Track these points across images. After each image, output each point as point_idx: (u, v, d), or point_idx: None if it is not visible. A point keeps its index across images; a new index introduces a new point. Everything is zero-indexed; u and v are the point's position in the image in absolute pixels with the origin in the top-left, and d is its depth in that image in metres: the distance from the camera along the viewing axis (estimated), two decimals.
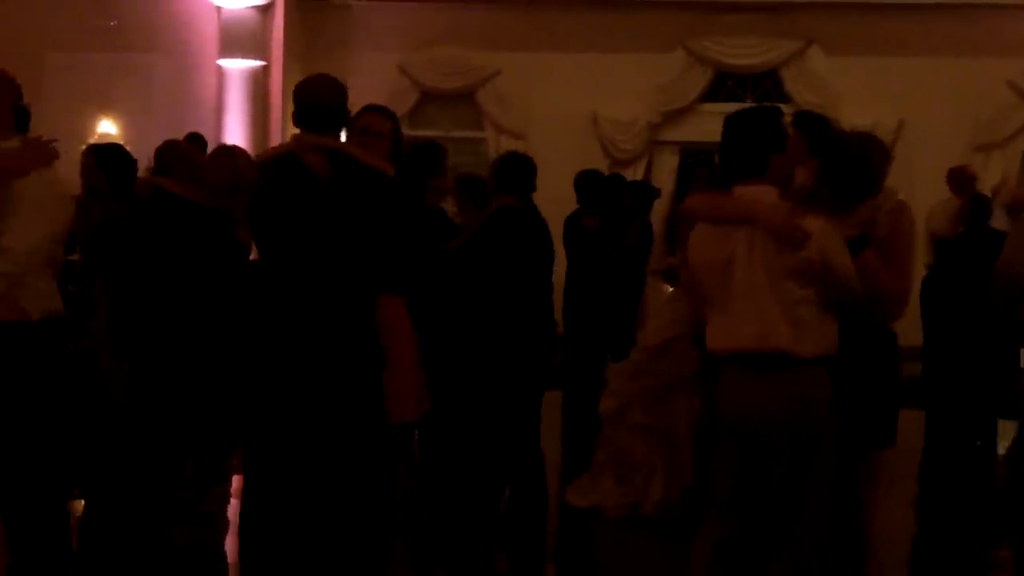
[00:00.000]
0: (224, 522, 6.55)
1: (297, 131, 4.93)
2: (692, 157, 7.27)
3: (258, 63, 13.29)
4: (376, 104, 5.62)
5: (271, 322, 4.88)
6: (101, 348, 6.58)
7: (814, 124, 4.81)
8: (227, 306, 6.42)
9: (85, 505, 6.82)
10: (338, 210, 4.79)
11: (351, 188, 4.79)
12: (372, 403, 4.82)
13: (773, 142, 4.35)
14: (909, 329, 10.63)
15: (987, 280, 4.60)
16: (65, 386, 4.61)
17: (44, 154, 4.61)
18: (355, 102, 5.44)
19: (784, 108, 4.77)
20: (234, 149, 7.31)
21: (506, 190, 6.61)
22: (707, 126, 13.09)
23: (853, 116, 13.22)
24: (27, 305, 4.41)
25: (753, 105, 4.53)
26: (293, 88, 5.01)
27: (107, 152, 7.19)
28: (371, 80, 13.16)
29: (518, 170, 6.66)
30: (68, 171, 7.39)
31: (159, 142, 6.98)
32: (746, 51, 13.75)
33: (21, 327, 4.40)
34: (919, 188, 13.28)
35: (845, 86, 13.44)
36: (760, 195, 4.33)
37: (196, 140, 9.24)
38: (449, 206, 7.37)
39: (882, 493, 4.71)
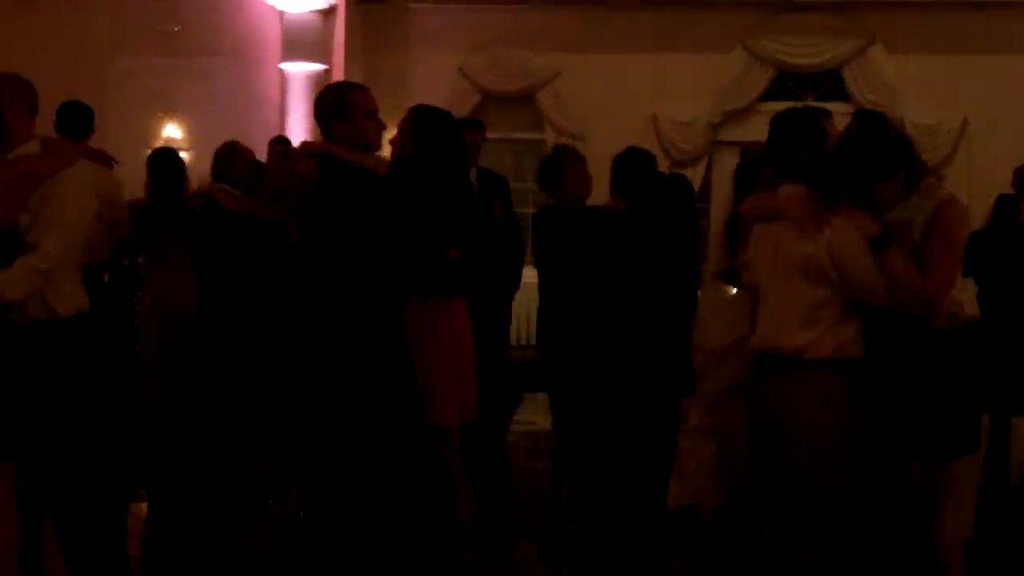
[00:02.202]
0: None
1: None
2: (749, 158, 7.17)
3: (320, 66, 13.38)
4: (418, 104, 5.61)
5: (301, 326, 4.97)
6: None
7: (873, 122, 4.75)
8: (285, 310, 6.48)
9: (149, 506, 6.88)
10: (329, 214, 4.85)
11: (339, 191, 4.83)
12: (396, 403, 4.83)
13: (807, 141, 4.45)
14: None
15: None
16: (105, 384, 4.64)
17: (65, 156, 4.65)
18: (415, 104, 5.49)
19: (845, 107, 4.76)
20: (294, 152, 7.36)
21: (618, 189, 5.99)
22: (767, 126, 13.01)
23: (916, 115, 13.12)
24: (56, 304, 4.46)
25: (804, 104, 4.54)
26: None
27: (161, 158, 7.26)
28: (431, 83, 13.22)
29: (627, 168, 5.97)
30: (135, 174, 7.53)
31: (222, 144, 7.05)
32: (807, 50, 13.67)
33: (53, 325, 4.45)
34: (982, 187, 13.18)
35: (907, 85, 13.33)
36: (797, 194, 4.40)
37: (284, 143, 9.15)
38: None
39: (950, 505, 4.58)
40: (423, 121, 5.31)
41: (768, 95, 13.72)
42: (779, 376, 4.41)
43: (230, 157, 6.84)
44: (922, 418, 4.32)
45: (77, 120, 6.83)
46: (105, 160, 5.39)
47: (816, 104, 12.75)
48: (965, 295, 4.67)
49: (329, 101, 5.02)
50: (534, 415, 9.11)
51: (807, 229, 4.33)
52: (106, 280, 6.98)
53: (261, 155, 7.42)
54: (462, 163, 5.40)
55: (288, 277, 6.51)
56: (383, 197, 4.82)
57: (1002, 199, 9.03)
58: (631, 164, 5.93)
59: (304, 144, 5.26)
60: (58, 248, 4.41)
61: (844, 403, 4.31)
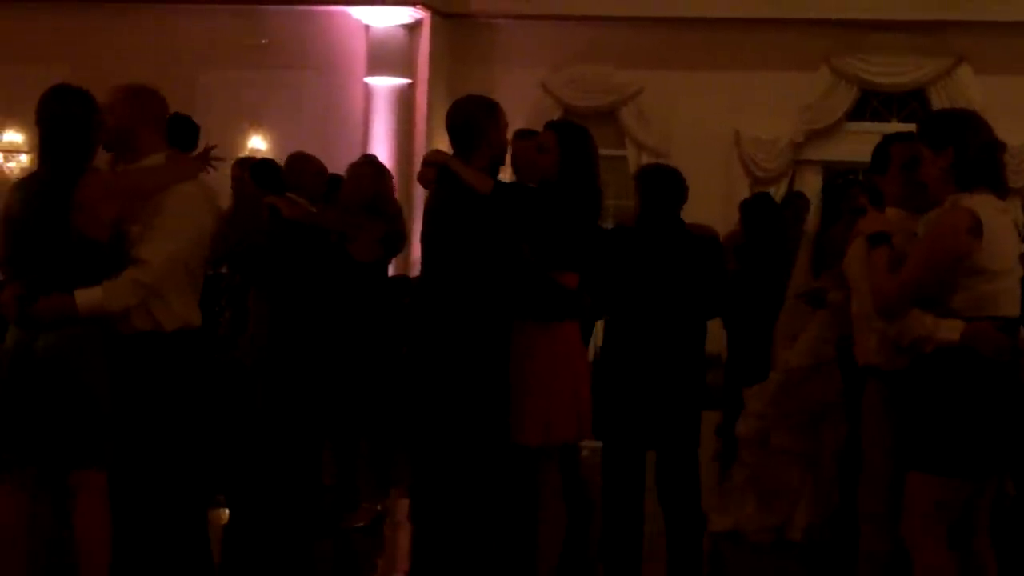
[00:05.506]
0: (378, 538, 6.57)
1: None
2: (840, 177, 7.13)
3: (404, 80, 13.50)
4: (554, 120, 5.53)
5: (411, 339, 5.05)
6: (248, 362, 6.71)
7: (935, 124, 4.56)
8: (343, 319, 6.53)
9: (230, 514, 6.93)
10: (437, 224, 4.91)
11: (447, 203, 4.87)
12: (481, 421, 4.84)
13: (872, 167, 4.74)
14: None
15: None
16: (201, 397, 4.67)
17: (185, 169, 4.71)
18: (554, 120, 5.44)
19: None
20: (379, 167, 7.37)
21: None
22: (852, 145, 12.90)
23: (1003, 136, 12.76)
24: (160, 317, 4.50)
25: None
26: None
27: (262, 168, 7.30)
28: (514, 98, 13.20)
29: (642, 184, 5.74)
30: (222, 184, 7.62)
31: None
32: (893, 69, 13.54)
33: (155, 337, 4.49)
34: None
35: (995, 106, 13.06)
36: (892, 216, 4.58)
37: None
38: None
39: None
40: (571, 140, 5.14)
41: (852, 115, 13.63)
42: None
43: (299, 166, 6.87)
44: (919, 429, 4.19)
45: (184, 133, 6.81)
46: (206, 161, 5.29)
47: (901, 125, 12.79)
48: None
49: (481, 112, 4.98)
50: None
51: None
52: None
53: (343, 167, 7.46)
54: (592, 186, 5.12)
55: (350, 285, 6.57)
56: (484, 217, 4.82)
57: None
58: (644, 181, 5.71)
59: (431, 152, 5.26)
60: (161, 261, 4.43)
61: (876, 408, 4.53)
